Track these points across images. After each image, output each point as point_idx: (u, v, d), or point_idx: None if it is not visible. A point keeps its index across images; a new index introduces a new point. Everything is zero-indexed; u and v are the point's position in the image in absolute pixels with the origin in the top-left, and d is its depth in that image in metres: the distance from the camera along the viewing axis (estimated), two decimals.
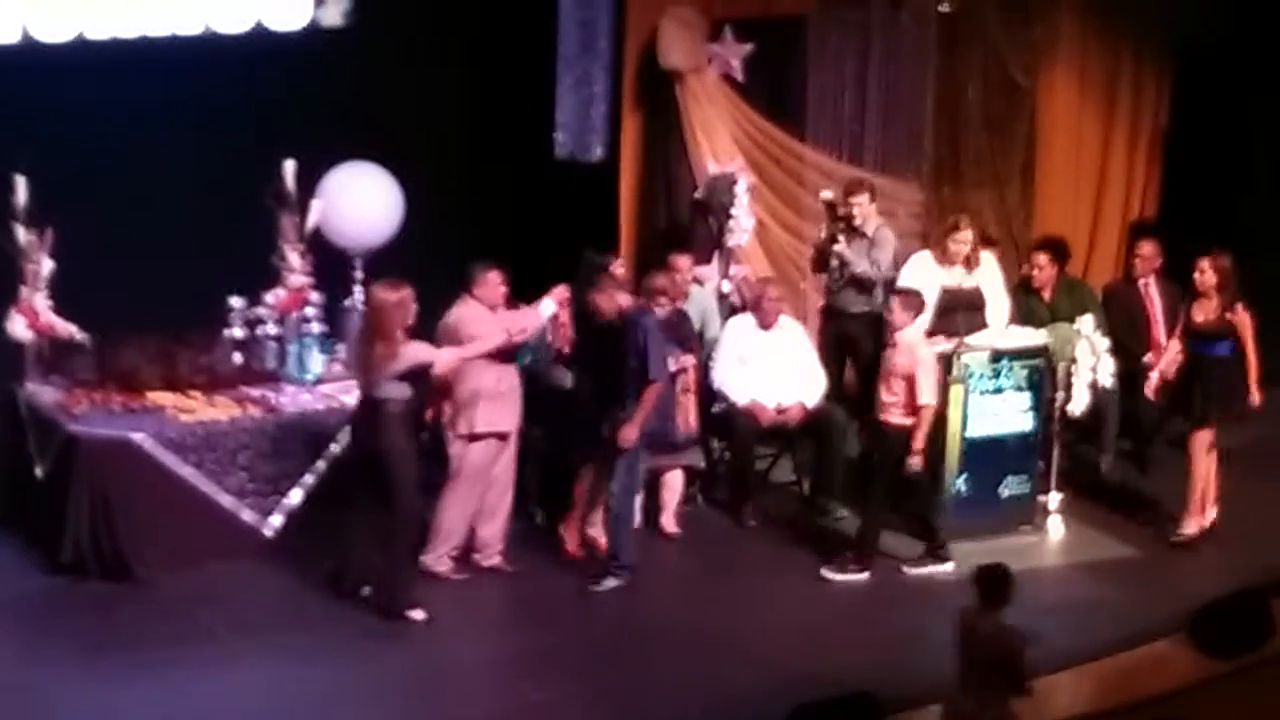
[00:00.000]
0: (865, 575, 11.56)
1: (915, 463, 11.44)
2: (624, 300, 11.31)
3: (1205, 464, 11.95)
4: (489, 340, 11.17)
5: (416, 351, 10.79)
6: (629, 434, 11.14)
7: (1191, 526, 12.01)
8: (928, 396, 11.41)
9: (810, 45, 14.11)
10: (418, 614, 10.80)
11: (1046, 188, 15.20)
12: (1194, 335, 11.98)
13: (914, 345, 11.53)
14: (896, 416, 11.47)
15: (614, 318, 11.24)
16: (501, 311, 11.34)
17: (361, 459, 10.85)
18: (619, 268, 12.04)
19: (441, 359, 10.96)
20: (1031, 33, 14.89)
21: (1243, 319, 11.86)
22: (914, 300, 11.72)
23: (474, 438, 11.27)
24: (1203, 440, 11.91)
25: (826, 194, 13.11)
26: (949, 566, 11.57)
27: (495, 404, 11.27)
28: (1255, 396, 11.90)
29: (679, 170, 13.69)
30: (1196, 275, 12.00)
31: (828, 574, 11.57)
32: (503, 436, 11.37)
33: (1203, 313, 11.95)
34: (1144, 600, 11.18)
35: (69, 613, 10.91)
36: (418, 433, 11.11)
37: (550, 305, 11.37)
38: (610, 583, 11.32)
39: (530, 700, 10.01)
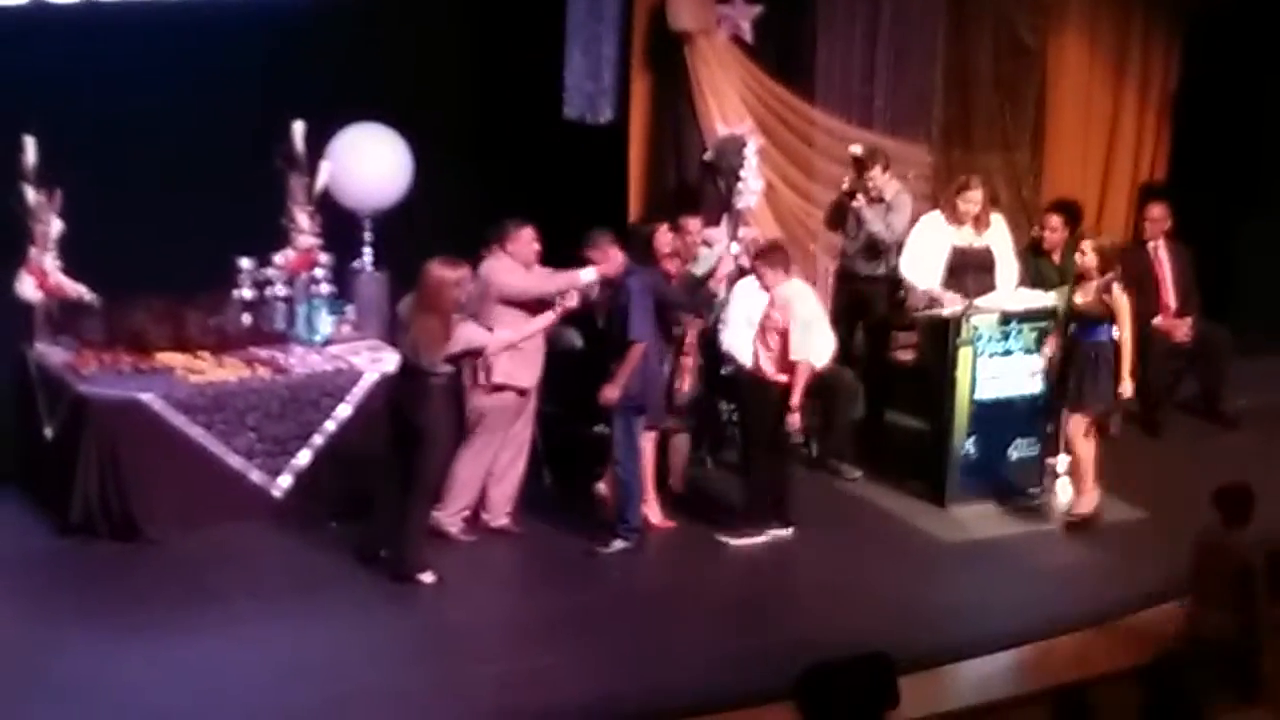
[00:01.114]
0: (763, 538, 11.52)
1: (794, 421, 11.44)
2: (621, 261, 11.32)
3: (1085, 447, 11.79)
4: (540, 320, 11.18)
5: (470, 334, 10.78)
6: (609, 393, 11.15)
7: (1085, 505, 11.92)
8: (798, 353, 11.36)
9: (820, 7, 14.08)
10: (428, 576, 10.81)
11: (1056, 150, 15.13)
12: (1075, 319, 11.76)
13: (789, 300, 11.48)
14: (769, 370, 11.46)
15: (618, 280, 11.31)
16: (537, 270, 11.33)
17: (399, 426, 10.83)
18: (666, 233, 11.98)
19: (494, 342, 10.95)
20: None
21: (1119, 302, 11.59)
22: (778, 255, 11.67)
23: (493, 389, 11.27)
24: (1078, 424, 11.77)
25: (856, 149, 13.02)
26: (788, 531, 11.60)
27: (517, 357, 11.26)
28: (1125, 387, 11.66)
29: (688, 132, 13.66)
30: (1077, 256, 11.90)
31: (725, 539, 11.52)
32: (522, 392, 11.38)
33: (1083, 295, 11.71)
34: (1153, 562, 11.16)
35: (78, 573, 10.94)
36: (459, 406, 11.11)
37: (591, 273, 11.30)
38: (618, 545, 11.34)
39: (539, 662, 10.02)
